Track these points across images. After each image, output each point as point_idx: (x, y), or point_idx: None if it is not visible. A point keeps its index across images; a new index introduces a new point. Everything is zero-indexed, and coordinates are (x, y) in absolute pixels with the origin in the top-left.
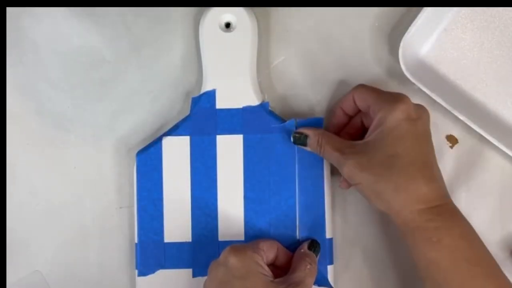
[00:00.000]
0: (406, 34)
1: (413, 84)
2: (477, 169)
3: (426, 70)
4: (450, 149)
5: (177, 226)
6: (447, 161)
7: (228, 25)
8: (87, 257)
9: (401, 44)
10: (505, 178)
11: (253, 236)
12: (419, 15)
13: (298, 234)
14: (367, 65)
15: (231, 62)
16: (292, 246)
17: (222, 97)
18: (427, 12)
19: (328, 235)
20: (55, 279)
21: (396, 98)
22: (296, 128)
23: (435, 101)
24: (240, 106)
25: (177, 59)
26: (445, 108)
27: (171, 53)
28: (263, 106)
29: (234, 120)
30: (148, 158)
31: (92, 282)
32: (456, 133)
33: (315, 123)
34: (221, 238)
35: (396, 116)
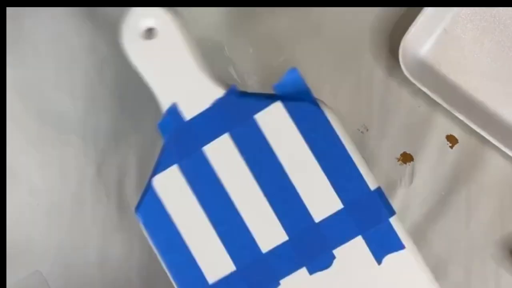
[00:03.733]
0: (406, 34)
1: (413, 84)
2: (477, 169)
3: (426, 70)
4: (450, 149)
5: (214, 260)
6: (447, 161)
7: (149, 32)
8: (87, 257)
9: (401, 44)
10: (505, 178)
11: (298, 229)
12: (419, 15)
13: (341, 203)
14: (367, 65)
15: (171, 69)
16: (340, 220)
17: (185, 106)
18: (427, 12)
19: (371, 186)
20: (55, 279)
21: None
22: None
23: (435, 101)
24: (209, 104)
25: None
26: (445, 108)
27: None
28: (231, 91)
29: (210, 122)
30: (149, 209)
31: (92, 282)
32: (456, 133)
33: (291, 76)
34: (264, 249)
35: None
